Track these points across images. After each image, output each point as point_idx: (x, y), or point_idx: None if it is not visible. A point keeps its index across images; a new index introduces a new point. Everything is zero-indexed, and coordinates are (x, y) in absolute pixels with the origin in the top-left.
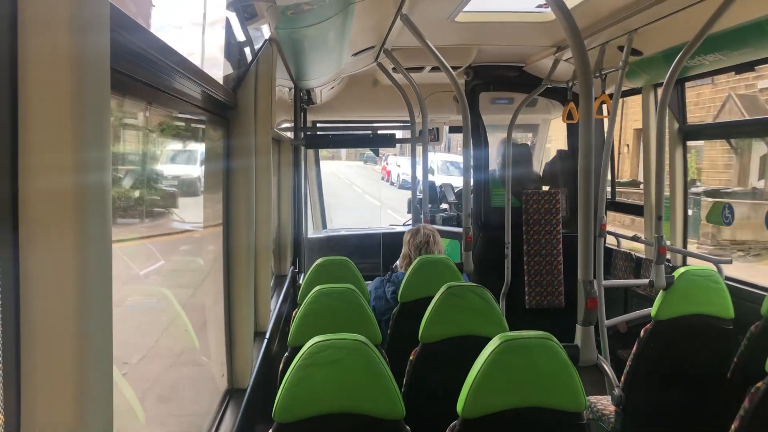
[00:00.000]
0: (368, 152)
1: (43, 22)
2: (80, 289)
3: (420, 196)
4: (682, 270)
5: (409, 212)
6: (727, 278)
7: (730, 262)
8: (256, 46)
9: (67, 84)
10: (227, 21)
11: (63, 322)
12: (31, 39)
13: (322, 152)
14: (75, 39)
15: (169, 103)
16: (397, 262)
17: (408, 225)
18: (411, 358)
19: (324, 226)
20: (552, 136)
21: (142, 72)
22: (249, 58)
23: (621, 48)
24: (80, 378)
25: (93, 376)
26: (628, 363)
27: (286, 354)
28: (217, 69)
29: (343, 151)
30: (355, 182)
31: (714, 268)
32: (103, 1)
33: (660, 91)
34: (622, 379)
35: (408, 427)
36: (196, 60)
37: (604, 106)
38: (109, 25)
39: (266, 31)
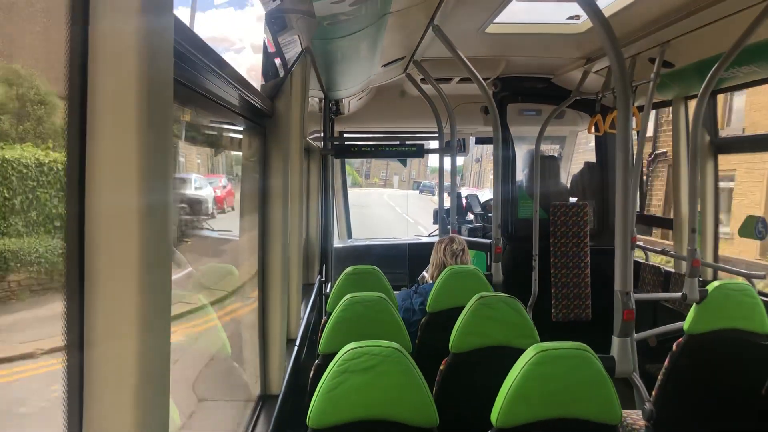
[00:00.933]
0: (424, 182)
1: (111, 36)
2: (141, 296)
3: (447, 206)
4: (716, 284)
5: (435, 223)
6: (761, 293)
7: (764, 276)
8: (292, 57)
9: (134, 92)
10: (265, 31)
11: (125, 334)
12: (102, 44)
13: (372, 178)
14: (142, 50)
15: (211, 109)
16: (424, 272)
17: (434, 236)
18: (441, 367)
19: (350, 236)
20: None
21: (191, 77)
22: (284, 67)
23: (652, 60)
24: (139, 387)
25: (151, 387)
26: (659, 377)
27: (317, 361)
28: (255, 78)
29: (395, 179)
30: (420, 221)
31: (747, 282)
32: (168, 10)
33: (691, 103)
34: (653, 393)
35: None
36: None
37: (633, 119)
38: (173, 41)
39: (301, 42)
